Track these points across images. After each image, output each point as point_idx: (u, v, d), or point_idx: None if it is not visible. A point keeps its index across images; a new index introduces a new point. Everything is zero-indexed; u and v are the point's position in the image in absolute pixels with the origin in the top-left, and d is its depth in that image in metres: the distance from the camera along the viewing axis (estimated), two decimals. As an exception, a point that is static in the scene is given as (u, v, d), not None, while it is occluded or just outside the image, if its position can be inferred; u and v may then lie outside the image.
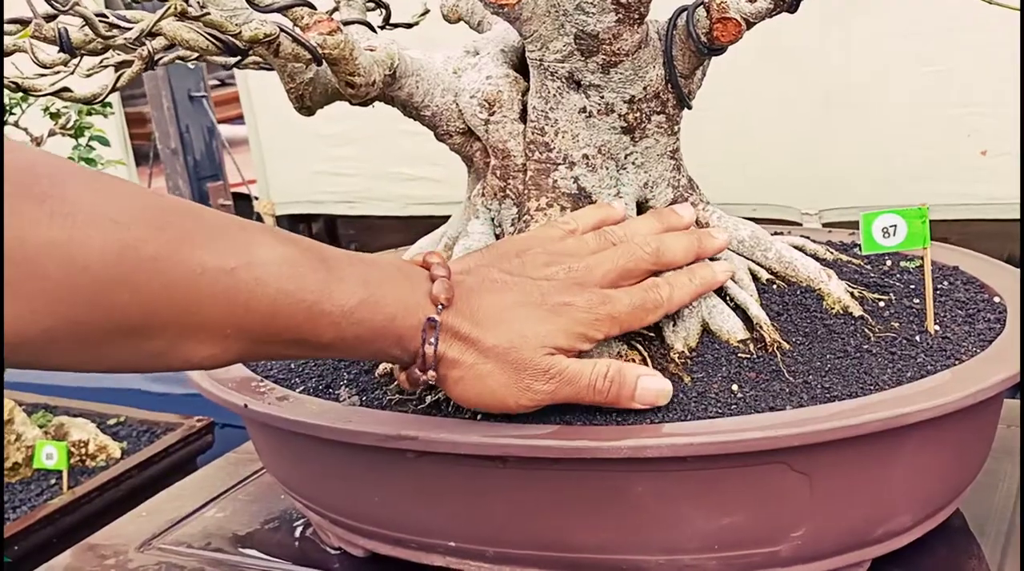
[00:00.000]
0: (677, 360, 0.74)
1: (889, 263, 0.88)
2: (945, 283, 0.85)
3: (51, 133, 1.31)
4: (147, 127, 2.42)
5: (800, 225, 1.62)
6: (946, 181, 1.43)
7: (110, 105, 1.34)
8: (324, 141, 2.12)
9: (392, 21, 1.01)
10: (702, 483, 0.67)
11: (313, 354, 0.72)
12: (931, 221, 0.76)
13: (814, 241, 0.90)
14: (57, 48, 0.66)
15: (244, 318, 0.59)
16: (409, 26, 1.06)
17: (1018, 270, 0.86)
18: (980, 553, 0.78)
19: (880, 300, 0.81)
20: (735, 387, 0.70)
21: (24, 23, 0.76)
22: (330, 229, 2.45)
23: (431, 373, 0.66)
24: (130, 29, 0.62)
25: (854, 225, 0.81)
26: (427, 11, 1.03)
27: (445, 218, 0.94)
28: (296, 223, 2.41)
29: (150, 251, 0.54)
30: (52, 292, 0.51)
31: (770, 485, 0.67)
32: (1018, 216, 1.39)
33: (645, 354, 0.74)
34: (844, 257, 0.89)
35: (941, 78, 1.51)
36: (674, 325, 0.76)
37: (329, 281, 0.62)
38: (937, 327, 0.77)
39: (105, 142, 1.33)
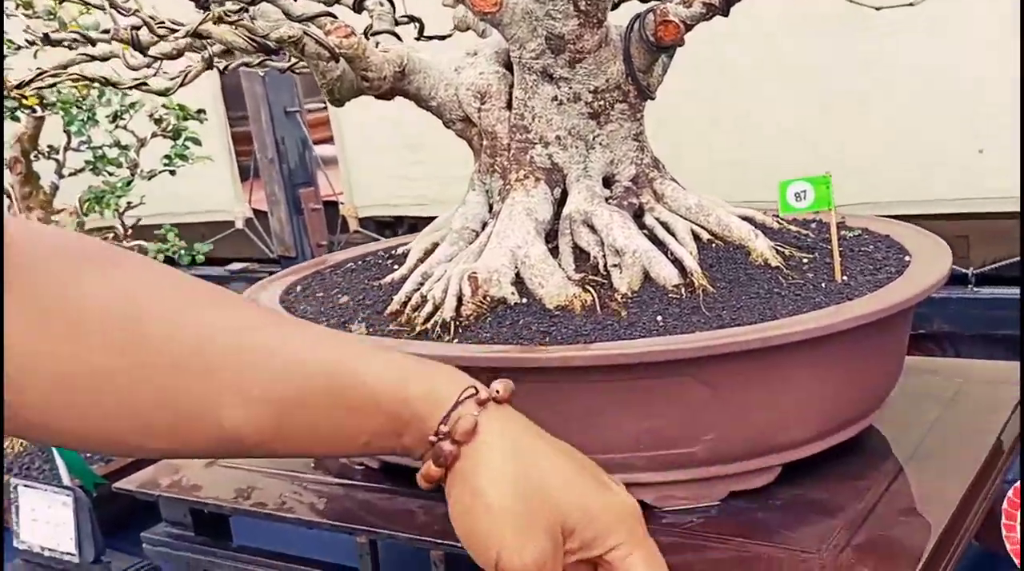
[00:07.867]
0: (619, 300, 0.90)
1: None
2: (871, 247, 0.99)
3: (153, 134, 1.54)
4: (251, 145, 2.68)
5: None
6: (944, 181, 1.54)
7: (203, 111, 1.57)
8: (398, 152, 2.33)
9: (427, 33, 1.20)
10: (625, 393, 0.83)
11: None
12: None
13: (765, 214, 1.05)
14: (134, 47, 0.87)
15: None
16: (443, 38, 1.25)
17: (930, 233, 0.99)
18: (890, 465, 0.91)
19: (805, 258, 0.95)
20: (659, 318, 0.86)
21: (106, 32, 0.99)
22: (414, 233, 2.65)
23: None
24: (178, 30, 0.83)
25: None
26: (451, 33, 1.22)
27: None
28: (382, 229, 2.63)
29: None
30: None
31: (680, 395, 0.82)
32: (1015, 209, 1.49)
33: (595, 295, 0.91)
34: (793, 228, 1.03)
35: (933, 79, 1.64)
36: (620, 272, 0.92)
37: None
38: (845, 277, 0.91)
39: (198, 142, 1.56)
